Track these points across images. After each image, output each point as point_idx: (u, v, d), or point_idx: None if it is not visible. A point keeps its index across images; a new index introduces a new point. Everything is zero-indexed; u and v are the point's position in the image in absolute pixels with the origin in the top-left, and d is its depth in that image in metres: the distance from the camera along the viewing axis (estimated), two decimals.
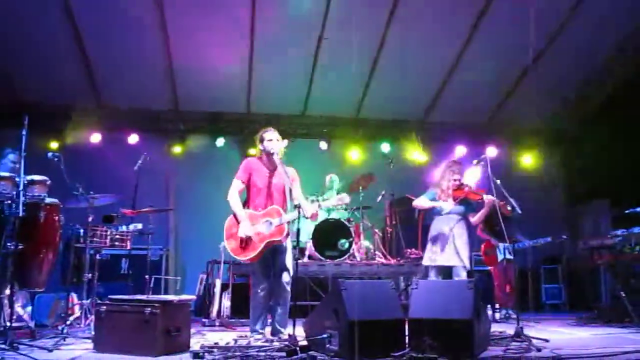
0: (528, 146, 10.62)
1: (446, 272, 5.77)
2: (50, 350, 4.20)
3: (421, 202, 5.98)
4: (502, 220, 6.20)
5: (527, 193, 8.21)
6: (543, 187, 10.33)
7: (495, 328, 5.54)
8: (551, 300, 9.16)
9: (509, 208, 5.57)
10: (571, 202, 10.63)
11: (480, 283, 8.17)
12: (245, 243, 4.97)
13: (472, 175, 5.91)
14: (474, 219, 5.92)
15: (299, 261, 7.56)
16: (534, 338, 4.78)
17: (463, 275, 5.64)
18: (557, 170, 10.83)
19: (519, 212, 5.46)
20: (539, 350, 4.35)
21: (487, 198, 5.66)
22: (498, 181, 5.55)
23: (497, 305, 7.30)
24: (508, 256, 7.44)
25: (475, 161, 5.77)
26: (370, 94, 9.53)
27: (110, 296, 4.53)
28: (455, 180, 5.84)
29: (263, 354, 4.05)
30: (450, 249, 5.69)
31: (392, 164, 9.19)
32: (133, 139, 9.55)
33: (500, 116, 10.20)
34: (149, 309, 4.12)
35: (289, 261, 5.07)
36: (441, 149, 10.00)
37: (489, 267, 7.81)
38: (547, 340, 4.80)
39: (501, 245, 7.60)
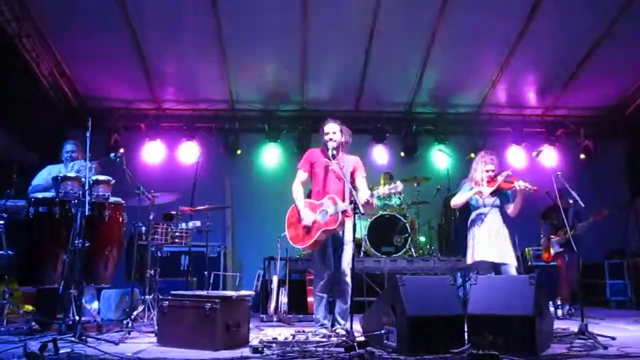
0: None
1: (493, 270, 5.48)
2: (117, 344, 4.34)
3: (457, 199, 5.71)
4: (559, 215, 6.01)
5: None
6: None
7: (558, 325, 5.37)
8: (616, 297, 8.80)
9: (570, 201, 5.37)
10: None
11: (541, 278, 8.02)
12: (304, 232, 5.04)
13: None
14: (511, 210, 5.55)
15: (355, 257, 7.63)
16: (599, 335, 4.60)
17: (511, 270, 5.36)
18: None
19: (582, 205, 5.25)
20: (605, 348, 4.17)
21: (519, 185, 5.29)
22: (559, 173, 5.33)
23: (559, 302, 7.05)
24: (558, 250, 7.21)
25: (534, 153, 5.58)
26: (424, 87, 9.40)
27: (172, 292, 4.65)
28: (488, 171, 5.55)
29: (321, 349, 4.06)
30: (488, 245, 5.38)
31: (448, 158, 9.10)
32: (190, 138, 9.74)
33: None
34: (209, 304, 4.20)
35: (347, 255, 5.06)
36: (494, 141, 9.80)
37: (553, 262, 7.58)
38: (613, 338, 4.60)
39: (555, 239, 7.36)
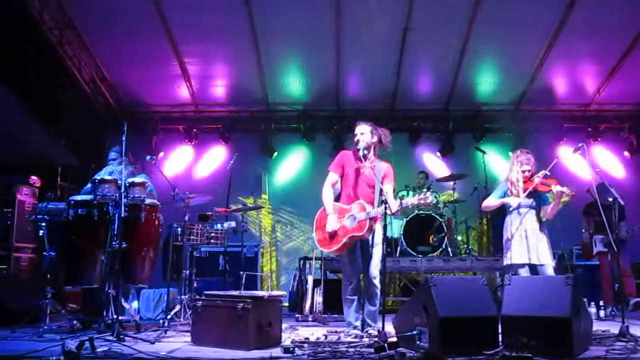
0: None
1: (530, 270, 5.34)
2: (152, 343, 4.44)
3: (489, 202, 5.59)
4: (603, 211, 5.81)
5: None
6: None
7: (598, 327, 5.21)
8: None
9: (610, 199, 5.20)
10: None
11: (582, 278, 7.81)
12: (332, 236, 5.02)
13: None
14: (548, 212, 5.35)
15: (391, 257, 7.60)
16: None
17: (548, 271, 5.21)
18: None
19: (622, 203, 5.09)
20: None
21: (556, 189, 5.11)
22: (598, 170, 5.18)
23: (601, 303, 6.84)
24: (602, 249, 6.99)
25: (572, 150, 5.42)
26: (460, 84, 9.25)
27: (205, 292, 4.72)
28: (524, 171, 5.36)
29: (352, 349, 4.06)
30: (525, 247, 5.24)
31: (486, 156, 8.95)
32: (227, 139, 9.88)
33: None
34: (241, 304, 4.25)
35: (377, 257, 5.01)
36: (533, 137, 9.58)
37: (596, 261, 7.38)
38: None
39: (597, 237, 7.15)
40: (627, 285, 7.08)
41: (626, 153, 9.91)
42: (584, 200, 7.22)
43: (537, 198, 5.38)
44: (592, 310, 6.64)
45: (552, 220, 5.46)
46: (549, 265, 5.21)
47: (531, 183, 5.29)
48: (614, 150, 9.96)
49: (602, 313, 6.69)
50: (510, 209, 5.38)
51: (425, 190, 8.24)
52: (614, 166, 9.84)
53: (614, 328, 4.89)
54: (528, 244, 5.26)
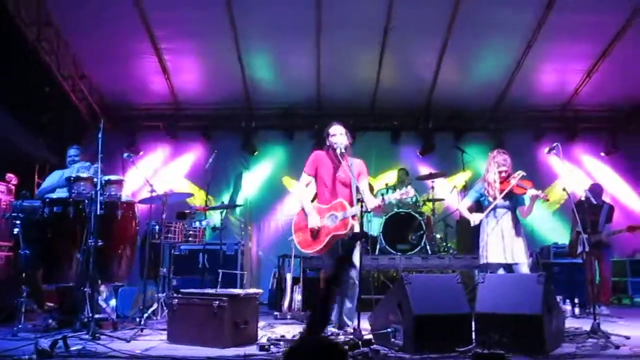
0: None
1: (505, 269, 5.39)
2: (128, 341, 4.43)
3: (461, 207, 5.75)
4: (590, 212, 5.91)
5: None
6: None
7: (572, 324, 5.30)
8: (638, 295, 8.63)
9: (583, 199, 5.29)
10: None
11: (559, 276, 7.92)
12: (315, 235, 5.03)
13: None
14: (522, 213, 5.46)
15: (370, 255, 7.63)
16: (613, 335, 4.53)
17: (522, 269, 5.26)
18: None
19: (593, 202, 5.17)
20: (617, 347, 4.12)
21: (531, 193, 5.22)
22: (571, 170, 5.26)
23: (576, 300, 6.91)
24: (585, 249, 7.09)
25: (546, 150, 5.48)
26: (440, 84, 9.30)
27: (181, 290, 4.72)
28: (500, 172, 5.42)
29: None
30: (501, 247, 5.32)
31: (465, 155, 9.04)
32: (207, 136, 9.87)
33: None
34: (217, 302, 4.26)
35: (356, 256, 5.03)
36: (512, 137, 9.69)
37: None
38: (627, 337, 4.52)
39: (583, 237, 7.24)
40: (604, 292, 7.19)
41: (602, 153, 10.06)
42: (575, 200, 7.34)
43: (513, 199, 5.45)
44: (568, 307, 6.74)
45: (542, 219, 5.53)
46: (523, 264, 5.29)
47: (508, 184, 5.35)
48: (591, 151, 10.10)
49: (577, 310, 6.78)
50: (472, 224, 5.46)
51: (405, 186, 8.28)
52: (592, 166, 9.97)
53: (586, 325, 4.96)
54: (504, 244, 5.33)
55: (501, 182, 5.42)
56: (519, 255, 5.29)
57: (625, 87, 9.41)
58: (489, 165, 5.53)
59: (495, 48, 8.66)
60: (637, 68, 8.83)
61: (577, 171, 5.28)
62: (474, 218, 5.46)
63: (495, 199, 5.38)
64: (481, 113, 9.97)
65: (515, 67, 8.94)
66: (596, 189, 7.25)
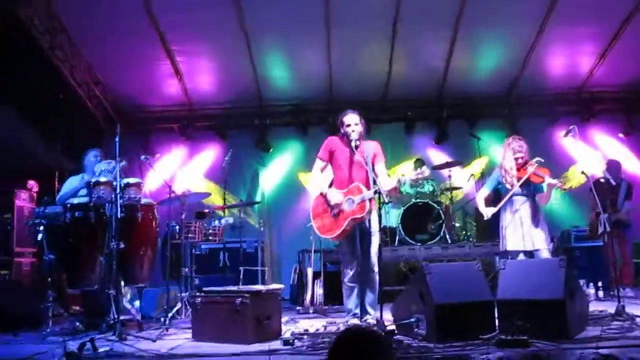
0: None
1: (525, 255, 5.31)
2: (154, 341, 4.48)
3: (478, 198, 5.72)
4: (609, 191, 5.84)
5: None
6: None
7: (596, 307, 5.26)
8: None
9: (601, 179, 5.24)
10: None
11: (581, 260, 7.86)
12: (331, 221, 5.03)
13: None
14: (541, 201, 5.42)
15: (389, 246, 7.64)
16: (638, 317, 4.49)
17: (543, 255, 5.23)
18: None
19: (613, 183, 5.12)
20: None
21: (549, 182, 5.17)
22: (589, 151, 5.22)
23: (600, 283, 6.85)
24: (606, 229, 7.01)
25: (563, 133, 5.44)
26: (452, 72, 9.26)
27: (204, 288, 4.77)
28: (517, 158, 5.38)
29: None
30: (520, 234, 5.30)
31: (480, 142, 8.98)
32: (222, 136, 9.94)
33: None
34: (240, 299, 4.30)
35: (375, 244, 5.04)
36: (527, 122, 9.60)
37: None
38: None
39: (603, 217, 7.17)
40: (625, 274, 7.11)
41: (621, 134, 9.93)
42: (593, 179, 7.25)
43: (531, 186, 5.41)
44: (591, 291, 6.69)
45: (561, 203, 5.49)
46: (544, 250, 5.26)
47: (524, 171, 5.32)
48: (608, 132, 9.96)
49: (600, 294, 6.72)
50: (485, 218, 5.43)
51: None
52: (610, 147, 9.85)
53: (610, 308, 4.93)
54: (523, 231, 5.31)
55: (518, 169, 5.38)
56: (539, 242, 5.25)
57: (637, 67, 9.28)
58: (504, 152, 5.49)
59: (506, 34, 8.59)
60: None
61: (595, 153, 5.23)
62: (487, 212, 5.46)
63: (512, 186, 5.35)
64: (495, 99, 9.91)
65: (527, 52, 8.86)
66: (614, 165, 7.13)
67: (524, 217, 5.33)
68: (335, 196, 5.03)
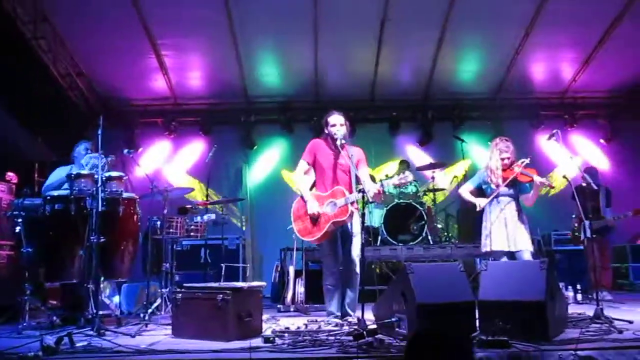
0: None
1: (508, 256, 5.36)
2: (133, 336, 4.43)
3: (463, 192, 5.70)
4: (590, 197, 5.88)
5: None
6: None
7: (575, 310, 5.32)
8: (639, 281, 8.66)
9: (584, 184, 5.29)
10: None
11: (561, 263, 7.94)
12: (314, 222, 5.04)
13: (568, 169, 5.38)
14: (526, 201, 5.46)
15: (371, 246, 7.65)
16: (616, 319, 4.54)
17: (525, 256, 5.27)
18: None
19: (595, 187, 5.17)
20: (620, 332, 4.13)
21: (537, 180, 5.21)
22: (571, 156, 5.26)
23: (578, 287, 6.93)
24: (588, 235, 7.09)
25: (546, 137, 5.47)
26: (438, 73, 9.30)
27: (185, 284, 4.72)
28: (503, 159, 5.42)
29: (332, 338, 4.09)
30: (504, 235, 5.32)
31: (465, 144, 9.03)
32: (206, 131, 9.88)
33: None
34: (221, 295, 4.26)
35: (357, 245, 5.06)
36: (511, 125, 9.64)
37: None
38: (630, 322, 4.53)
39: (586, 223, 7.25)
40: (604, 278, 7.18)
41: (602, 140, 10.07)
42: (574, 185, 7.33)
43: (517, 187, 5.44)
44: (570, 294, 6.76)
45: (542, 206, 5.52)
46: (526, 251, 5.29)
47: (511, 172, 5.34)
48: (590, 137, 10.12)
49: (579, 297, 6.80)
50: (477, 209, 5.45)
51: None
52: (591, 153, 9.98)
53: (589, 311, 4.98)
54: (507, 232, 5.33)
55: (504, 170, 5.41)
56: (522, 243, 5.29)
57: (624, 74, 9.42)
58: (491, 153, 5.52)
59: (493, 37, 8.66)
60: (635, 54, 8.84)
61: (577, 158, 5.27)
62: (479, 202, 5.47)
63: (498, 186, 5.38)
64: (480, 102, 9.98)
65: (512, 55, 8.93)
66: (591, 172, 7.23)
67: (508, 218, 5.36)
68: (312, 207, 5.04)
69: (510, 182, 5.37)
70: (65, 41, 8.38)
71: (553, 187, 5.17)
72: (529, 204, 5.47)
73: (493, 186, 5.42)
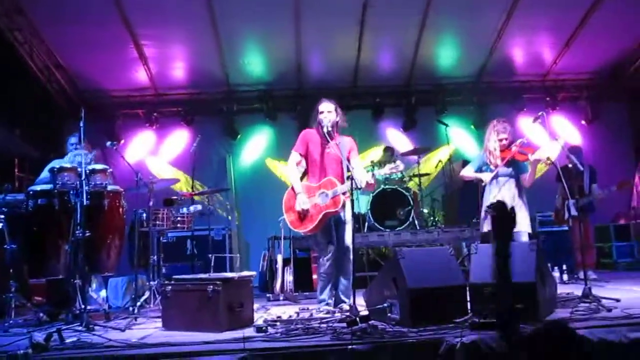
0: None
1: None
2: (123, 330, 4.38)
3: (466, 172, 5.71)
4: (575, 178, 5.92)
5: None
6: None
7: (562, 290, 5.37)
8: (623, 259, 8.80)
9: (569, 165, 5.33)
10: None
11: (546, 244, 8.01)
12: (304, 215, 5.03)
13: (552, 148, 5.42)
14: (525, 181, 5.45)
15: (359, 233, 7.65)
16: (603, 298, 4.59)
17: (523, 237, 5.30)
18: None
19: (580, 168, 5.20)
20: (609, 310, 4.17)
21: (533, 157, 5.21)
22: (559, 138, 5.28)
23: (563, 266, 7.00)
24: (573, 213, 7.15)
25: (533, 119, 5.49)
26: (421, 58, 9.29)
27: (174, 276, 4.68)
28: (501, 139, 5.44)
29: (325, 325, 4.09)
30: None
31: (449, 128, 9.03)
32: (189, 122, 9.77)
33: None
34: (211, 286, 4.23)
35: (349, 233, 5.05)
36: (494, 109, 9.66)
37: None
38: (618, 300, 4.59)
39: (570, 202, 7.29)
40: (588, 257, 7.25)
41: (583, 122, 10.17)
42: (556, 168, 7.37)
43: (516, 167, 5.46)
44: (556, 274, 6.83)
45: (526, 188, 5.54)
46: (524, 233, 5.31)
47: (509, 152, 5.37)
48: (571, 119, 10.21)
49: (565, 277, 6.87)
50: (482, 184, 5.48)
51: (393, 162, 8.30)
52: (572, 134, 10.07)
53: (577, 291, 5.03)
54: None
55: (502, 151, 5.44)
56: (521, 224, 5.31)
57: (604, 57, 9.50)
58: (489, 134, 5.53)
59: (475, 21, 8.65)
60: (615, 37, 8.91)
61: (561, 140, 5.32)
62: (484, 176, 5.48)
63: (496, 166, 5.40)
64: (463, 86, 9.99)
65: (494, 39, 8.95)
66: (576, 152, 7.27)
67: (507, 198, 5.36)
68: (300, 202, 5.02)
69: (508, 162, 5.39)
70: (41, 33, 8.22)
71: (551, 162, 5.18)
72: (527, 184, 5.47)
73: (492, 167, 5.44)
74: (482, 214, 5.51)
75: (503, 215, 3.25)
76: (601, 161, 9.77)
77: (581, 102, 10.22)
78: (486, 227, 5.44)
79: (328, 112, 5.14)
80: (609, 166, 9.84)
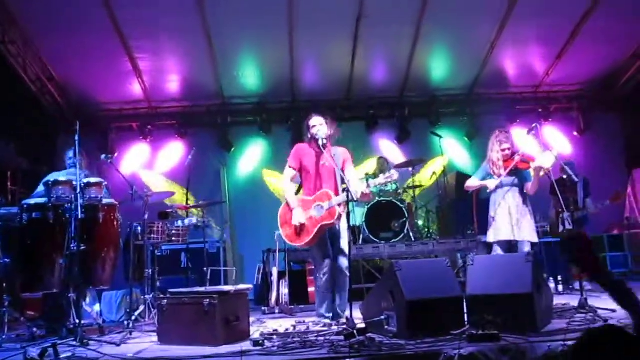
0: None
1: (511, 247, 5.44)
2: (118, 345, 4.35)
3: (471, 182, 5.76)
4: (570, 190, 5.96)
5: None
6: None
7: (558, 301, 5.38)
8: (617, 269, 8.82)
9: (564, 177, 5.35)
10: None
11: (544, 255, 8.03)
12: (300, 229, 5.03)
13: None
14: (528, 189, 5.50)
15: (354, 245, 7.63)
16: (599, 309, 4.61)
17: (525, 247, 5.34)
18: None
19: (575, 180, 5.24)
20: (605, 321, 4.19)
21: (534, 165, 5.28)
22: (552, 149, 5.33)
23: (558, 277, 7.02)
24: (568, 226, 7.17)
25: (527, 130, 5.52)
26: (414, 70, 9.34)
27: (170, 290, 4.65)
28: (503, 150, 5.50)
29: (322, 338, 4.07)
30: (509, 223, 5.37)
31: (441, 140, 9.07)
32: (183, 135, 9.76)
33: None
34: (208, 300, 4.21)
35: (345, 245, 5.05)
36: (487, 120, 9.67)
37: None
38: (614, 311, 4.59)
39: (565, 215, 7.33)
40: None
41: (575, 133, 10.23)
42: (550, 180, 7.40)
43: (519, 176, 5.50)
44: (551, 285, 6.85)
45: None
46: (527, 243, 5.35)
47: (512, 161, 5.42)
48: (564, 130, 10.27)
49: (560, 287, 6.89)
50: (488, 190, 5.52)
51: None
52: (564, 145, 10.12)
53: (573, 301, 5.04)
54: (512, 221, 5.38)
55: (505, 160, 5.48)
56: (526, 234, 5.36)
57: (595, 68, 9.58)
58: (492, 145, 5.59)
59: (468, 32, 8.70)
60: (606, 48, 9.00)
61: (554, 151, 5.36)
62: (489, 183, 5.52)
63: (500, 176, 5.44)
64: (456, 98, 10.05)
65: (488, 50, 9.01)
66: (570, 164, 7.32)
67: (512, 207, 5.42)
68: (296, 217, 5.03)
69: (511, 171, 5.43)
70: (35, 46, 8.19)
71: (546, 170, 5.23)
72: (532, 192, 5.50)
73: (496, 177, 5.48)
74: (490, 221, 5.53)
75: (579, 246, 3.10)
76: (594, 172, 9.83)
77: (573, 113, 10.29)
78: (491, 236, 5.46)
79: (320, 125, 5.16)
80: (602, 177, 9.86)
